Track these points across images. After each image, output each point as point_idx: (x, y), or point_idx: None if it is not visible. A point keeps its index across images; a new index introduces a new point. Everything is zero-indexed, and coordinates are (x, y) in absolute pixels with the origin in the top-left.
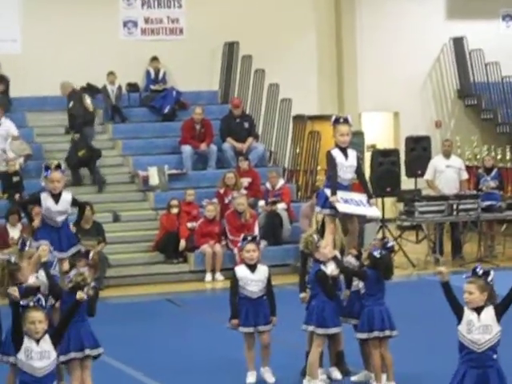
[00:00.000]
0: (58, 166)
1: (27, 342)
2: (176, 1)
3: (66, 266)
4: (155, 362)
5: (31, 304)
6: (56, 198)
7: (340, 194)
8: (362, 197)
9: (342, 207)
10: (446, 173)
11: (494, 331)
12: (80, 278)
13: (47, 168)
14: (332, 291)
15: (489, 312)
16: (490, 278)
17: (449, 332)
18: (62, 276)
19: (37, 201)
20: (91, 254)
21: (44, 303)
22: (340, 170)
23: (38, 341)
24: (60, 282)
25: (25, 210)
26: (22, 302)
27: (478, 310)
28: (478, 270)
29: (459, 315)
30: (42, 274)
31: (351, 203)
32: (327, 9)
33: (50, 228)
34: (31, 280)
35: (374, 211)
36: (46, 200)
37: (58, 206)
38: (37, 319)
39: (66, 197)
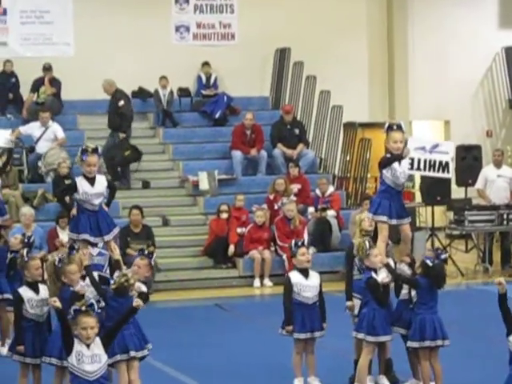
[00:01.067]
0: (95, 150)
1: (78, 346)
2: (228, 6)
3: (113, 246)
4: (203, 367)
5: (83, 309)
6: (91, 181)
7: (411, 141)
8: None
9: (416, 167)
10: (496, 182)
11: None
12: (124, 278)
13: (84, 151)
14: (383, 299)
15: None
16: None
17: (498, 342)
18: (114, 261)
19: (73, 188)
20: (154, 255)
21: (96, 307)
22: (393, 176)
23: (88, 345)
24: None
25: (62, 200)
26: (73, 307)
27: None
28: None
29: (510, 326)
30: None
31: (425, 153)
32: (379, 16)
33: (87, 213)
34: (77, 286)
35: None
36: (82, 184)
37: (95, 189)
38: (89, 325)
39: (101, 179)
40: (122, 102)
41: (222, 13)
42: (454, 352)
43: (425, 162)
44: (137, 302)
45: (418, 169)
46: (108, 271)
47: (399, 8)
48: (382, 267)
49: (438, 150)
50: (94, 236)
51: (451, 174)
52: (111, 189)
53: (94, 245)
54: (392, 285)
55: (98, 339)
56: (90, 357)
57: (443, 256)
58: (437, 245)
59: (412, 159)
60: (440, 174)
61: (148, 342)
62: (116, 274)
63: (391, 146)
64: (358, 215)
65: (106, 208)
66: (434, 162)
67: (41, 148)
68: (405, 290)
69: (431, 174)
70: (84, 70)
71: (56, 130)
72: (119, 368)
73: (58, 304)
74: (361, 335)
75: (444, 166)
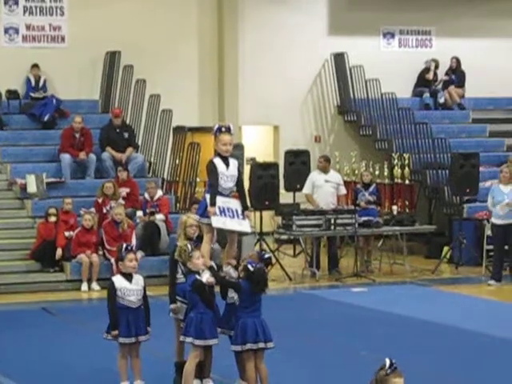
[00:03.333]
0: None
1: None
2: (58, 8)
3: None
4: (28, 371)
5: None
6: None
7: (219, 199)
8: (239, 206)
9: (216, 222)
10: (323, 187)
11: None
12: None
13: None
14: (210, 299)
15: None
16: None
17: (324, 343)
18: None
19: None
20: None
21: None
22: (221, 179)
23: None
24: None
25: None
26: None
27: None
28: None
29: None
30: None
31: (227, 215)
32: (210, 21)
33: None
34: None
35: (246, 226)
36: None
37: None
38: None
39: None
40: None
41: (52, 15)
42: (281, 354)
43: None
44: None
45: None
46: None
47: (230, 12)
48: (205, 269)
49: (237, 219)
50: None
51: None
52: None
53: None
54: (218, 288)
55: None
56: None
57: (266, 256)
58: (265, 249)
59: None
60: (239, 228)
61: None
62: None
63: (220, 148)
64: (182, 218)
65: None
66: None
67: None
68: (231, 294)
69: (231, 227)
70: None
71: None
72: None
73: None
74: (189, 339)
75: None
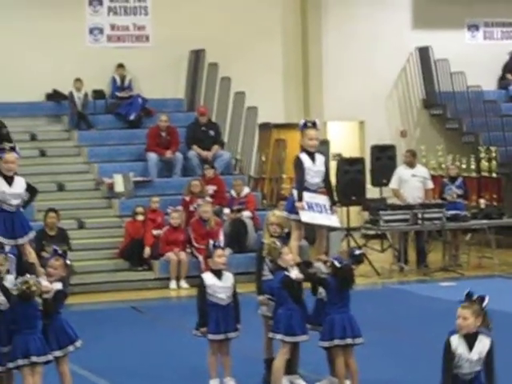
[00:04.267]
0: (13, 148)
1: None
2: (142, 8)
3: (28, 249)
4: (118, 369)
5: None
6: (9, 180)
7: (306, 195)
8: (327, 201)
9: (305, 216)
10: (410, 182)
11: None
12: (25, 286)
13: (1, 150)
14: (299, 295)
15: (484, 343)
16: (484, 304)
17: (413, 338)
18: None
19: None
20: (68, 254)
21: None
22: (307, 175)
23: None
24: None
25: None
26: None
27: (469, 337)
28: (472, 294)
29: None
30: None
31: (315, 210)
32: (294, 17)
33: (3, 215)
34: None
35: (334, 221)
36: (0, 183)
37: (12, 189)
38: None
39: (19, 181)
40: (6, 130)
41: (135, 15)
42: (371, 350)
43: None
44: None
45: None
46: (15, 275)
47: (313, 9)
48: (293, 265)
49: (326, 214)
50: (8, 238)
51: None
52: (31, 191)
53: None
54: (308, 284)
55: None
56: None
57: (357, 252)
58: (353, 245)
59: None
60: (328, 223)
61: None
62: (18, 280)
63: (306, 143)
64: (269, 215)
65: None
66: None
67: None
68: (320, 289)
69: (319, 222)
70: None
71: None
72: (22, 372)
73: None
74: (279, 336)
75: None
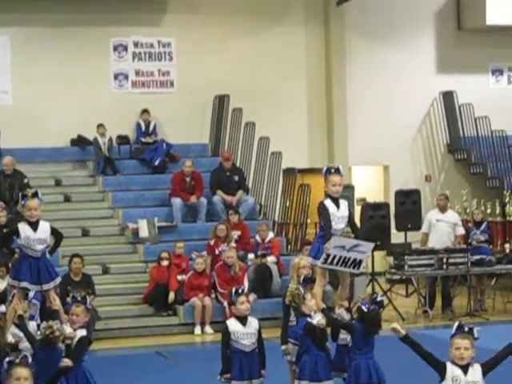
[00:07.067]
0: (35, 194)
1: None
2: (167, 54)
3: (52, 296)
4: None
5: (17, 360)
6: (34, 226)
7: (333, 240)
8: (354, 241)
9: (331, 260)
10: (438, 226)
11: None
12: (48, 331)
13: (24, 196)
14: (322, 341)
15: (476, 369)
16: (475, 335)
17: None
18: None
19: (15, 232)
20: (89, 300)
21: (30, 360)
22: (332, 221)
23: None
24: (53, 315)
25: (5, 244)
26: (7, 359)
27: (463, 366)
28: (464, 325)
29: (441, 371)
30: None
31: (343, 251)
32: (318, 63)
33: (29, 260)
34: (8, 338)
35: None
36: (24, 229)
37: (37, 234)
38: (22, 376)
39: (44, 226)
40: (26, 180)
41: (160, 60)
42: None
43: (339, 258)
44: (65, 362)
45: (331, 263)
46: (39, 321)
47: (337, 54)
48: (316, 311)
49: (357, 250)
50: (34, 284)
51: (361, 271)
52: (57, 236)
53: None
54: (329, 329)
55: None
56: None
57: (379, 299)
58: (377, 290)
59: (328, 255)
60: (349, 270)
61: None
62: (42, 325)
63: (330, 189)
64: (295, 260)
65: (48, 256)
66: (349, 259)
67: None
68: (343, 335)
69: (340, 268)
70: (22, 118)
71: None
72: None
73: None
74: (304, 382)
75: (356, 264)
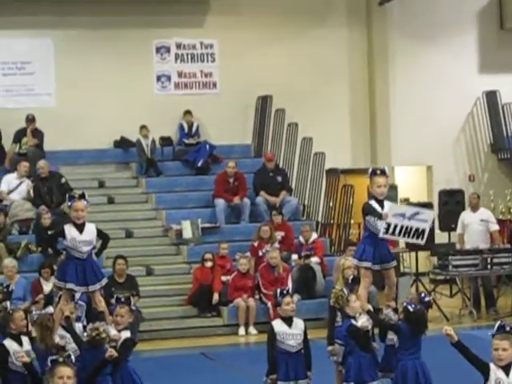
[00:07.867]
0: (82, 196)
1: None
2: (209, 55)
3: (98, 297)
4: None
5: (61, 359)
6: (80, 227)
7: (392, 207)
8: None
9: (391, 232)
10: (472, 226)
11: None
12: (95, 332)
13: (71, 198)
14: (366, 343)
15: None
16: None
17: None
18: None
19: (61, 233)
20: (133, 301)
21: (73, 359)
22: (374, 223)
23: None
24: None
25: (51, 245)
26: (50, 357)
27: (505, 367)
28: (505, 325)
29: (485, 373)
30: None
31: (403, 220)
32: (360, 62)
33: (75, 261)
34: (56, 339)
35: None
36: (70, 230)
37: (83, 236)
38: (65, 375)
39: (90, 227)
40: (63, 180)
41: (203, 62)
42: None
43: (401, 228)
44: (110, 352)
45: (393, 234)
46: (85, 322)
47: (380, 55)
48: (361, 313)
49: (418, 218)
50: (79, 285)
51: (424, 241)
52: (103, 238)
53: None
54: (376, 330)
55: None
56: None
57: (427, 299)
58: (421, 290)
59: (388, 224)
60: (413, 241)
61: None
62: (89, 326)
63: (375, 190)
64: (340, 261)
65: (95, 258)
66: (411, 228)
67: (10, 199)
68: (391, 336)
69: (405, 239)
70: (66, 120)
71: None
72: None
73: (26, 359)
74: None
75: (420, 234)
